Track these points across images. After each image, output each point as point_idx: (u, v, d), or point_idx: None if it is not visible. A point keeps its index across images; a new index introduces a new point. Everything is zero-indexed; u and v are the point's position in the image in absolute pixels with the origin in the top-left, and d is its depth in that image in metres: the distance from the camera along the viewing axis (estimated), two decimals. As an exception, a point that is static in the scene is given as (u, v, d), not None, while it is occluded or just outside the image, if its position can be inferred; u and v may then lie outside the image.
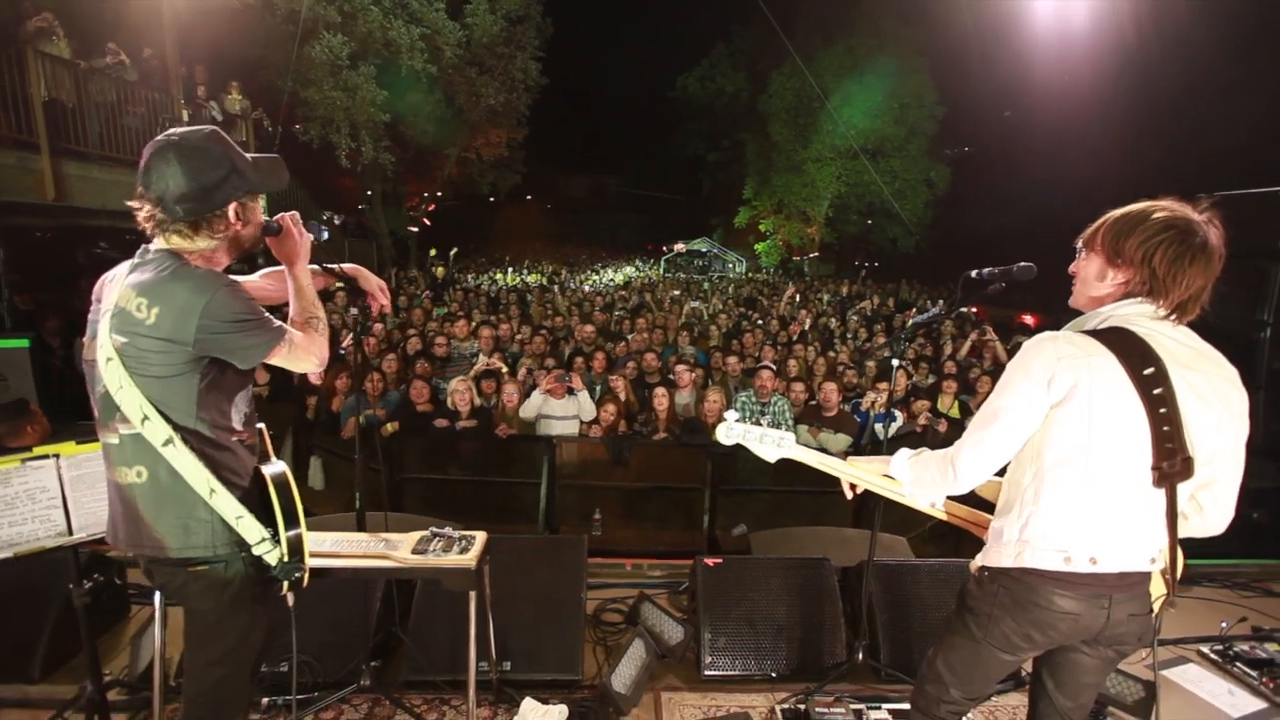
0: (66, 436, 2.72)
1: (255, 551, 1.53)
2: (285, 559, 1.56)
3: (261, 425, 1.71)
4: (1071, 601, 1.45)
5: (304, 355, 1.59)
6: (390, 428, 4.53)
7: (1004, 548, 1.52)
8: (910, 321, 2.69)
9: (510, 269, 20.45)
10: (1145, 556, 1.46)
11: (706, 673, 2.70)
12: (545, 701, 2.42)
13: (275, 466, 1.65)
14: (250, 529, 1.51)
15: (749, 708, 2.57)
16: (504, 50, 17.15)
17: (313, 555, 2.00)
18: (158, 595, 2.02)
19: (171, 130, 1.47)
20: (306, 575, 1.64)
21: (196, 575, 1.51)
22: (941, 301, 13.84)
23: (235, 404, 1.57)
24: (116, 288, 1.45)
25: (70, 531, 1.98)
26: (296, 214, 1.73)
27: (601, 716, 2.44)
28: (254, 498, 1.58)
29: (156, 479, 1.46)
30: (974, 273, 2.13)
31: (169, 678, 2.32)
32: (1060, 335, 1.46)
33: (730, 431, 1.98)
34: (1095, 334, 1.43)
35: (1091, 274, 1.51)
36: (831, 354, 7.22)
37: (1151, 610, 1.51)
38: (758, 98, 23.20)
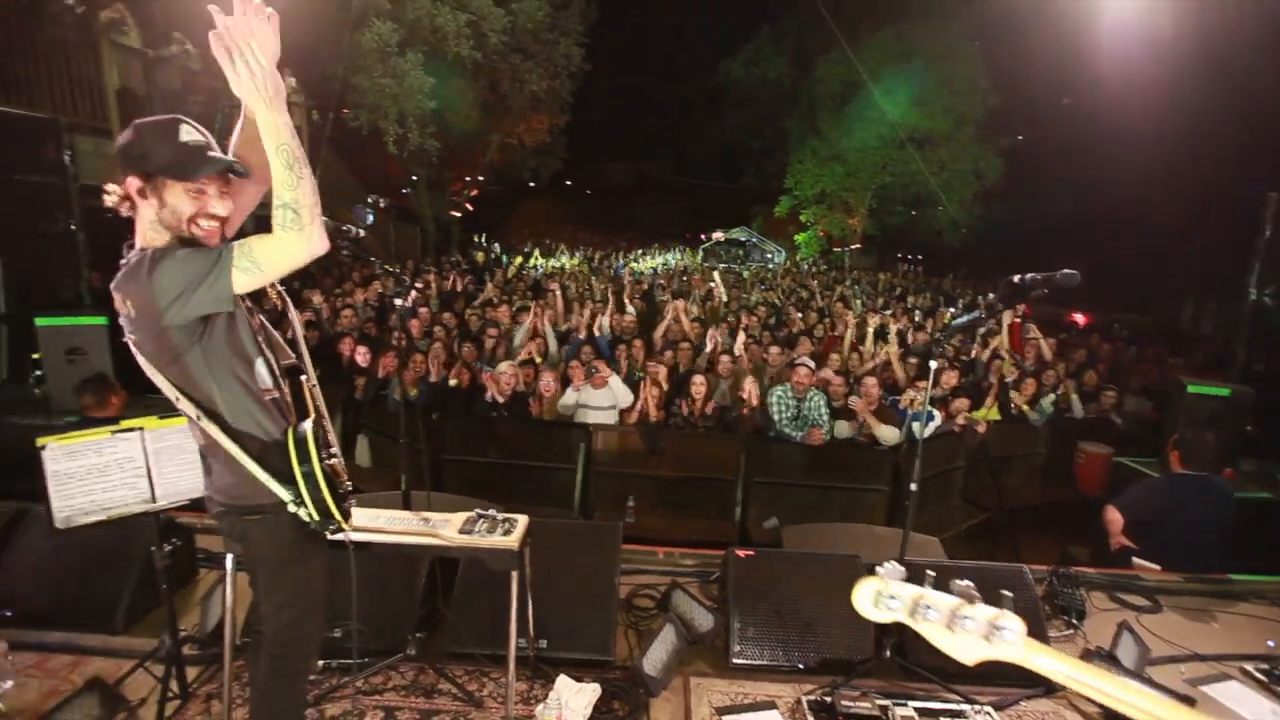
0: (139, 408, 2.94)
1: (289, 510, 1.61)
2: (315, 519, 1.61)
3: (305, 376, 1.72)
4: None
5: (276, 261, 1.43)
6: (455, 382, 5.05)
7: None
8: (950, 323, 2.67)
9: (550, 256, 20.66)
10: None
11: (735, 661, 2.77)
12: (579, 680, 2.53)
13: (300, 428, 1.62)
14: (280, 492, 1.59)
15: (775, 697, 2.63)
16: (548, 36, 17.21)
17: (365, 530, 2.16)
18: (229, 557, 2.19)
19: None
20: (349, 531, 1.71)
21: (255, 522, 1.65)
22: (983, 298, 13.42)
23: (255, 365, 1.62)
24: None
25: (154, 499, 2.17)
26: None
27: (632, 697, 2.54)
28: (280, 456, 1.60)
29: (215, 441, 1.58)
30: (1017, 278, 2.12)
31: (236, 635, 2.51)
32: None
33: (890, 606, 1.02)
34: None
35: None
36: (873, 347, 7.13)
37: None
38: (802, 84, 22.70)
